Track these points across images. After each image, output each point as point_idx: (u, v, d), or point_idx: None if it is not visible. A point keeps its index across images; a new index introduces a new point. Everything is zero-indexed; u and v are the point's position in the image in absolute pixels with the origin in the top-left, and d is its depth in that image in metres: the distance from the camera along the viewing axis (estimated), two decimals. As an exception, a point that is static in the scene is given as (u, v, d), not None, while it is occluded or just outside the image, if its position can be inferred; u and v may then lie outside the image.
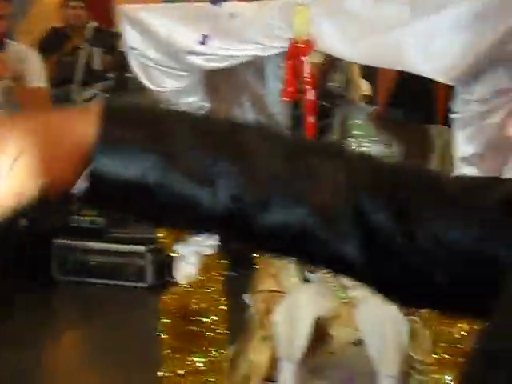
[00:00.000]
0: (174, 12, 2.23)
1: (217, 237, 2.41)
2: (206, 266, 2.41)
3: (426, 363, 2.29)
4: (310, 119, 2.12)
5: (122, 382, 3.22)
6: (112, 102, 0.71)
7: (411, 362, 2.39)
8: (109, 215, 4.43)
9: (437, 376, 2.20)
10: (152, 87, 2.30)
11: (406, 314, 2.38)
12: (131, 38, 2.27)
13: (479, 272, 0.74)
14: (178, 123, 0.72)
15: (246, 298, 2.83)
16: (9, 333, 3.70)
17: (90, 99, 5.39)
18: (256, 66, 2.56)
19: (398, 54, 1.99)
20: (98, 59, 5.43)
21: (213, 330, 2.43)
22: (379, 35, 2.01)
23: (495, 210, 0.74)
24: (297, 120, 3.45)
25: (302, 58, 2.06)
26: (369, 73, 4.48)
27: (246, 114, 2.79)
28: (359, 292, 2.53)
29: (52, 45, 5.78)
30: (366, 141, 2.52)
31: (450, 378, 2.17)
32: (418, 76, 2.03)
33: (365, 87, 3.55)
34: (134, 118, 0.72)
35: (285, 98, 2.11)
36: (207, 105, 2.35)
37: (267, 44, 2.11)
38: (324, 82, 2.62)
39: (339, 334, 2.74)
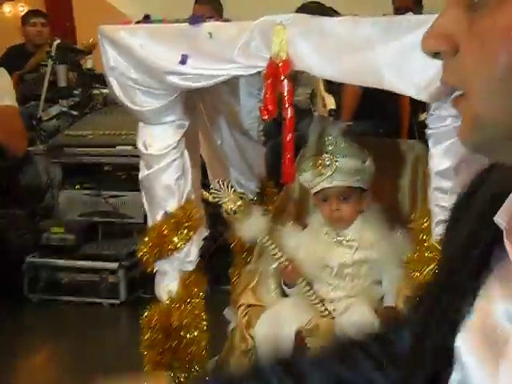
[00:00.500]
0: (154, 32, 2.26)
1: (197, 253, 2.46)
2: (187, 282, 2.44)
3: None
4: (289, 136, 2.16)
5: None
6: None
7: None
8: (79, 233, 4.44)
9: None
10: (131, 106, 2.33)
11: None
12: (111, 58, 2.30)
13: None
14: None
15: (227, 313, 2.87)
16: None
17: (55, 116, 5.39)
18: (230, 83, 2.60)
19: (374, 72, 2.04)
20: (63, 76, 5.44)
21: (194, 345, 2.45)
22: (356, 54, 2.06)
23: None
24: (269, 136, 3.52)
25: (281, 78, 2.10)
26: (334, 87, 4.56)
27: (222, 130, 2.84)
28: (337, 305, 2.58)
29: (13, 62, 5.78)
30: (341, 156, 2.56)
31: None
32: (382, 91, 2.08)
33: (331, 101, 3.61)
34: None
35: (264, 117, 2.15)
36: (186, 123, 2.39)
37: (246, 64, 2.15)
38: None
39: (316, 345, 2.78)
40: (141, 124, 2.41)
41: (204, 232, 2.47)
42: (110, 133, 4.65)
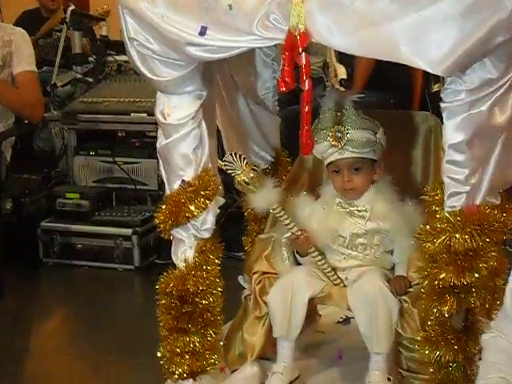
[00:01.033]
0: (174, 3, 2.28)
1: (213, 221, 2.51)
2: (203, 249, 2.49)
3: (414, 341, 2.40)
4: (307, 108, 2.19)
5: (120, 361, 3.29)
6: None
7: (400, 340, 2.50)
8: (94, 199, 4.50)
9: (425, 352, 2.31)
10: (151, 76, 2.36)
11: (396, 294, 2.49)
12: (131, 29, 2.32)
13: None
14: None
15: (241, 279, 2.93)
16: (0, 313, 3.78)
17: (69, 82, 5.41)
18: (246, 54, 2.63)
19: (391, 46, 2.06)
20: (77, 42, 5.44)
21: (209, 311, 2.51)
22: (373, 28, 2.08)
23: None
24: (284, 105, 3.55)
25: (299, 50, 2.13)
26: (346, 58, 4.58)
27: (238, 101, 2.88)
28: (349, 274, 2.64)
29: (27, 27, 5.77)
30: (352, 128, 2.61)
31: (437, 354, 2.28)
32: (394, 63, 2.12)
33: (342, 71, 3.64)
34: None
35: (282, 89, 2.18)
36: (204, 93, 2.42)
37: (265, 36, 2.17)
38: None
39: (327, 313, 2.85)
40: (159, 94, 2.44)
41: (220, 200, 2.51)
42: (124, 100, 4.69)
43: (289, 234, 2.65)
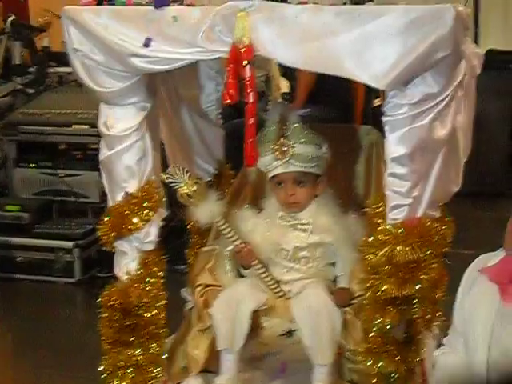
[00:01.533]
0: (118, 14, 2.28)
1: (156, 233, 2.50)
2: (146, 261, 2.48)
3: (357, 352, 2.41)
4: (251, 121, 2.21)
5: (61, 376, 3.25)
6: None
7: (343, 352, 2.52)
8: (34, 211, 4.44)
9: (368, 364, 2.33)
10: (95, 87, 2.35)
11: (339, 306, 2.51)
12: (74, 40, 2.32)
13: None
14: None
15: (184, 292, 2.92)
16: None
17: (9, 93, 5.35)
18: (190, 66, 2.63)
19: (335, 60, 2.09)
20: (17, 53, 5.39)
21: (152, 324, 2.50)
22: (317, 42, 2.11)
23: None
24: (227, 118, 3.56)
25: (244, 63, 2.14)
26: (288, 72, 4.62)
27: (182, 113, 2.88)
28: (293, 286, 2.65)
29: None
30: (298, 142, 2.63)
31: (379, 365, 2.30)
32: (336, 77, 2.15)
33: (284, 85, 3.67)
34: None
35: (226, 101, 2.19)
36: (148, 105, 2.42)
37: (210, 48, 2.19)
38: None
39: (271, 325, 2.85)
40: (102, 105, 2.43)
41: (163, 213, 2.51)
42: (66, 112, 4.67)
43: (232, 247, 2.66)
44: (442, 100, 2.14)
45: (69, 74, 4.90)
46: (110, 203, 2.47)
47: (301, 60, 2.16)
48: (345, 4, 2.44)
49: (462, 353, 1.94)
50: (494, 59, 5.48)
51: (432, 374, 2.11)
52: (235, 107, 3.00)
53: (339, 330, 2.49)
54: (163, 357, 2.57)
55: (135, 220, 2.42)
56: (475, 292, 1.91)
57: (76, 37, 2.32)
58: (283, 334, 2.84)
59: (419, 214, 2.22)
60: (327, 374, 2.50)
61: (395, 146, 2.18)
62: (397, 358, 2.27)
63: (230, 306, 2.54)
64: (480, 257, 1.95)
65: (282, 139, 2.63)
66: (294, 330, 2.68)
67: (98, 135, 2.50)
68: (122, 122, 2.39)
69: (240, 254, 2.64)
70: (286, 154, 2.61)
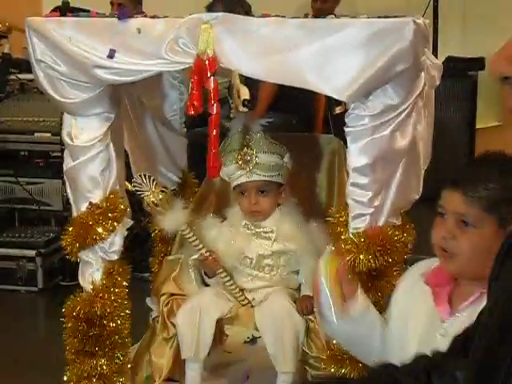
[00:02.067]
0: (82, 26, 2.29)
1: (121, 243, 2.51)
2: (111, 271, 2.48)
3: (320, 359, 2.44)
4: (214, 132, 2.23)
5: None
6: None
7: (307, 359, 2.54)
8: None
9: (331, 370, 2.36)
10: (58, 98, 2.35)
11: (302, 314, 2.54)
12: (38, 51, 2.32)
13: None
14: None
15: (148, 301, 2.93)
16: None
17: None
18: (154, 75, 2.64)
19: (297, 72, 2.13)
20: (-25, 61, 5.34)
21: (117, 334, 2.50)
22: (279, 54, 2.14)
23: None
24: (190, 127, 3.57)
25: (208, 74, 2.16)
26: (249, 79, 4.63)
27: (145, 122, 2.89)
28: (256, 294, 2.68)
29: None
30: (261, 152, 2.66)
31: (342, 371, 2.33)
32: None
33: (245, 92, 3.70)
34: None
35: (191, 112, 2.21)
36: (112, 115, 2.43)
37: (174, 60, 2.21)
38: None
39: (234, 333, 2.87)
40: (66, 115, 2.44)
41: (128, 222, 2.51)
42: (28, 119, 4.62)
43: (197, 256, 2.67)
44: (403, 111, 2.19)
45: (30, 81, 4.83)
46: (75, 213, 2.47)
47: (264, 72, 2.19)
48: (306, 16, 2.48)
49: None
50: (453, 66, 5.56)
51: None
52: (198, 116, 3.00)
53: (302, 337, 2.51)
54: (128, 366, 2.58)
55: (100, 230, 2.42)
56: (415, 292, 1.97)
57: (39, 48, 2.32)
58: (247, 342, 2.86)
59: (381, 222, 2.25)
60: (290, 380, 2.52)
61: (357, 156, 2.22)
62: (359, 365, 2.30)
63: (195, 315, 2.55)
64: (426, 260, 2.01)
65: (244, 149, 2.66)
66: (258, 337, 2.70)
67: (61, 143, 2.51)
68: (85, 133, 2.39)
69: (205, 262, 2.65)
70: (249, 163, 2.64)
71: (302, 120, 4.70)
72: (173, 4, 5.48)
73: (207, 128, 2.28)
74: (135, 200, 2.61)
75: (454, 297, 1.89)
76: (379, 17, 2.19)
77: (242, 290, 2.68)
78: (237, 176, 2.67)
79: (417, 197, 2.36)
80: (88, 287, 2.48)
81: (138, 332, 2.80)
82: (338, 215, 2.33)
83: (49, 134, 4.48)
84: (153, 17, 2.30)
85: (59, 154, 4.15)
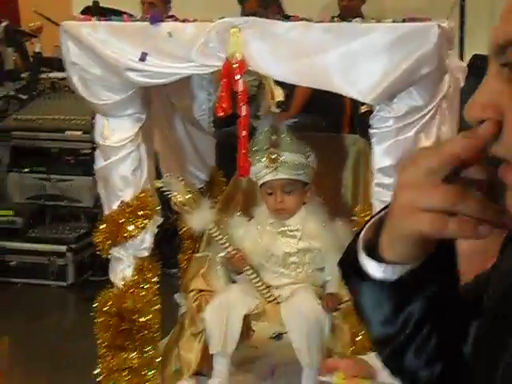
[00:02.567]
0: (115, 30, 2.36)
1: (151, 240, 2.57)
2: (141, 267, 2.55)
3: (344, 355, 2.49)
4: (244, 133, 2.29)
5: (55, 379, 3.31)
6: None
7: (331, 354, 2.60)
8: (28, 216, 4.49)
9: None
10: (91, 100, 2.43)
11: (327, 311, 2.60)
12: (72, 54, 2.39)
13: None
14: None
15: (177, 297, 3.00)
16: None
17: (1, 99, 5.39)
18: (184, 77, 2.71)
19: (324, 76, 2.18)
20: (10, 59, 5.44)
21: (147, 329, 2.57)
22: (306, 58, 2.20)
23: None
24: (219, 127, 3.64)
25: (236, 77, 2.23)
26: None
27: (175, 122, 2.95)
28: (282, 291, 2.74)
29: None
30: (286, 151, 2.72)
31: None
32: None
33: (279, 93, 3.75)
34: None
35: (220, 114, 2.28)
36: (143, 116, 2.49)
37: (204, 63, 2.27)
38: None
39: (261, 329, 2.93)
40: (99, 116, 2.51)
41: (158, 220, 2.58)
42: (59, 118, 4.71)
43: (224, 253, 2.73)
44: (427, 113, 2.23)
45: (61, 79, 4.93)
46: (106, 211, 2.54)
47: (291, 75, 2.25)
48: (333, 19, 2.52)
49: None
50: (479, 64, 5.57)
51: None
52: (227, 115, 3.06)
53: (327, 333, 2.57)
54: (157, 360, 2.65)
55: (131, 228, 2.50)
56: None
57: (74, 51, 2.39)
58: (273, 337, 2.92)
59: (405, 222, 2.29)
60: (316, 375, 2.58)
61: (381, 157, 2.27)
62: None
63: (223, 311, 2.61)
64: None
65: (271, 148, 2.71)
66: (284, 333, 2.76)
67: (91, 141, 2.58)
68: (117, 133, 2.46)
69: (232, 260, 2.72)
70: (275, 162, 2.70)
71: (331, 122, 4.74)
72: (201, 2, 5.55)
73: (235, 127, 2.34)
74: (164, 198, 2.67)
75: None
76: (404, 20, 2.25)
77: (268, 286, 2.73)
78: (263, 174, 2.73)
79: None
80: (119, 283, 2.55)
81: (167, 327, 2.86)
82: (362, 214, 2.38)
83: (79, 132, 4.56)
84: (183, 20, 2.36)
85: (89, 152, 4.23)
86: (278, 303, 2.71)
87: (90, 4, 5.37)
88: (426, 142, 2.27)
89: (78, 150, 4.67)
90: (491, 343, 0.86)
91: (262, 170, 2.73)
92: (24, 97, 5.13)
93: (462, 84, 2.43)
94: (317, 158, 2.78)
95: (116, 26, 2.38)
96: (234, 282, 2.80)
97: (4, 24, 5.52)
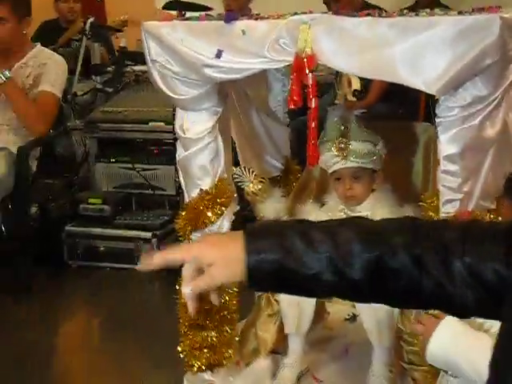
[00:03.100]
0: (192, 29, 2.51)
1: (229, 226, 2.72)
2: (219, 252, 2.70)
3: (414, 335, 2.59)
4: (313, 124, 2.41)
5: (142, 356, 3.50)
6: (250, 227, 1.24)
7: (401, 335, 2.70)
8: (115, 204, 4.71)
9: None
10: (171, 95, 2.59)
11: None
12: (153, 52, 2.55)
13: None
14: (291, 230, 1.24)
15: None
16: (28, 312, 4.01)
17: (89, 91, 5.64)
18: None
19: (390, 68, 2.28)
20: (97, 53, 5.68)
21: (225, 309, 2.73)
22: (373, 51, 2.30)
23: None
24: (293, 117, 3.76)
25: (306, 71, 2.35)
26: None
27: (251, 114, 3.09)
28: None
29: (47, 37, 5.99)
30: (354, 140, 2.82)
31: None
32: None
33: (356, 82, 3.83)
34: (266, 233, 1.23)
35: (291, 106, 2.40)
36: (220, 109, 2.64)
37: (275, 58, 2.39)
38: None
39: (335, 311, 3.05)
40: (178, 110, 2.67)
41: (235, 207, 2.73)
42: (142, 109, 4.89)
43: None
44: (492, 101, 2.30)
45: (144, 72, 5.12)
46: (187, 199, 2.71)
47: (359, 68, 2.36)
48: (402, 11, 2.61)
49: None
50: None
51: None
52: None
53: (397, 314, 2.67)
54: (236, 339, 2.80)
55: (209, 214, 2.65)
56: None
57: (154, 49, 2.55)
58: (347, 319, 3.04)
59: (470, 207, 2.38)
60: (386, 355, 2.69)
61: (447, 145, 2.35)
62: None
63: (296, 293, 2.74)
64: None
65: (340, 138, 2.83)
66: (358, 315, 2.87)
67: (173, 132, 2.73)
68: (196, 126, 2.62)
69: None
70: (344, 151, 2.81)
71: (407, 111, 4.79)
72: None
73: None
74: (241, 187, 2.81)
75: None
76: (473, 10, 2.32)
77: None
78: (332, 163, 2.84)
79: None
80: (200, 267, 2.70)
81: (246, 309, 3.01)
82: (429, 200, 2.47)
83: (162, 123, 4.73)
84: (257, 17, 2.48)
85: (172, 142, 4.39)
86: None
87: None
88: (491, 130, 2.35)
89: (161, 140, 4.84)
90: None
91: (331, 159, 2.85)
92: (110, 90, 5.36)
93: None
94: (388, 145, 2.87)
95: (193, 26, 2.52)
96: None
97: (91, 20, 5.77)
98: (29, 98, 4.31)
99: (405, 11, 2.60)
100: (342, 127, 2.83)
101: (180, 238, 2.77)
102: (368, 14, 2.35)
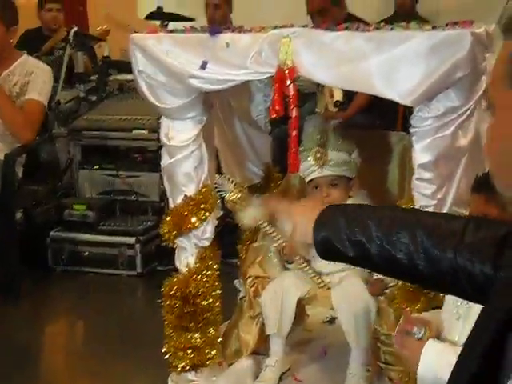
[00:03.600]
0: (178, 41, 2.60)
1: (212, 231, 2.81)
2: (203, 256, 2.80)
3: (390, 336, 2.69)
4: (294, 133, 2.52)
5: (127, 357, 3.58)
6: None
7: (378, 336, 2.80)
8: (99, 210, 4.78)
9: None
10: (157, 104, 2.69)
11: (373, 295, 2.81)
12: (139, 62, 2.65)
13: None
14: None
15: (237, 283, 3.24)
16: (16, 316, 4.08)
17: (72, 100, 5.70)
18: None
19: (366, 80, 2.39)
20: (80, 62, 5.75)
21: (209, 311, 2.81)
22: (350, 64, 2.41)
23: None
24: (274, 125, 3.86)
25: (287, 82, 2.45)
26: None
27: (233, 123, 3.19)
28: (332, 278, 2.95)
29: (30, 45, 6.03)
30: (331, 150, 2.93)
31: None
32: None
33: (338, 93, 3.93)
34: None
35: (273, 116, 2.51)
36: (204, 118, 2.74)
37: (258, 70, 2.50)
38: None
39: (314, 313, 3.15)
40: (164, 119, 2.77)
41: (218, 213, 2.82)
42: (126, 118, 4.96)
43: (276, 245, 2.95)
44: (464, 112, 2.41)
45: (128, 81, 5.21)
46: (171, 205, 2.80)
47: (336, 80, 2.47)
48: (379, 24, 2.71)
49: None
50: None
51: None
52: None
53: (374, 316, 2.77)
54: (218, 340, 2.89)
55: (193, 219, 2.74)
56: None
57: (141, 60, 2.65)
58: (326, 321, 3.13)
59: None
60: (363, 355, 2.79)
61: (421, 153, 2.46)
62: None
63: (278, 296, 2.84)
64: None
65: (317, 147, 2.93)
66: (336, 318, 2.97)
67: (157, 140, 2.82)
68: (181, 134, 2.71)
69: (283, 250, 2.94)
70: (321, 160, 2.92)
71: (386, 121, 4.89)
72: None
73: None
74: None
75: None
76: (447, 25, 2.43)
77: (319, 273, 2.95)
78: (310, 172, 2.95)
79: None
80: (183, 269, 2.80)
81: (229, 311, 3.10)
82: (405, 207, 2.57)
83: (145, 131, 4.82)
84: (240, 30, 2.58)
85: (155, 149, 4.47)
86: (329, 289, 2.92)
87: (154, 10, 5.66)
88: (463, 139, 2.46)
89: (144, 148, 4.92)
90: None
91: (309, 168, 2.95)
92: (93, 98, 5.43)
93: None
94: (365, 154, 2.98)
95: (178, 38, 2.62)
96: (287, 269, 3.03)
97: (74, 29, 5.84)
98: (16, 105, 4.38)
99: (381, 24, 2.70)
100: (319, 136, 2.94)
101: (164, 243, 2.86)
102: (346, 28, 2.46)
